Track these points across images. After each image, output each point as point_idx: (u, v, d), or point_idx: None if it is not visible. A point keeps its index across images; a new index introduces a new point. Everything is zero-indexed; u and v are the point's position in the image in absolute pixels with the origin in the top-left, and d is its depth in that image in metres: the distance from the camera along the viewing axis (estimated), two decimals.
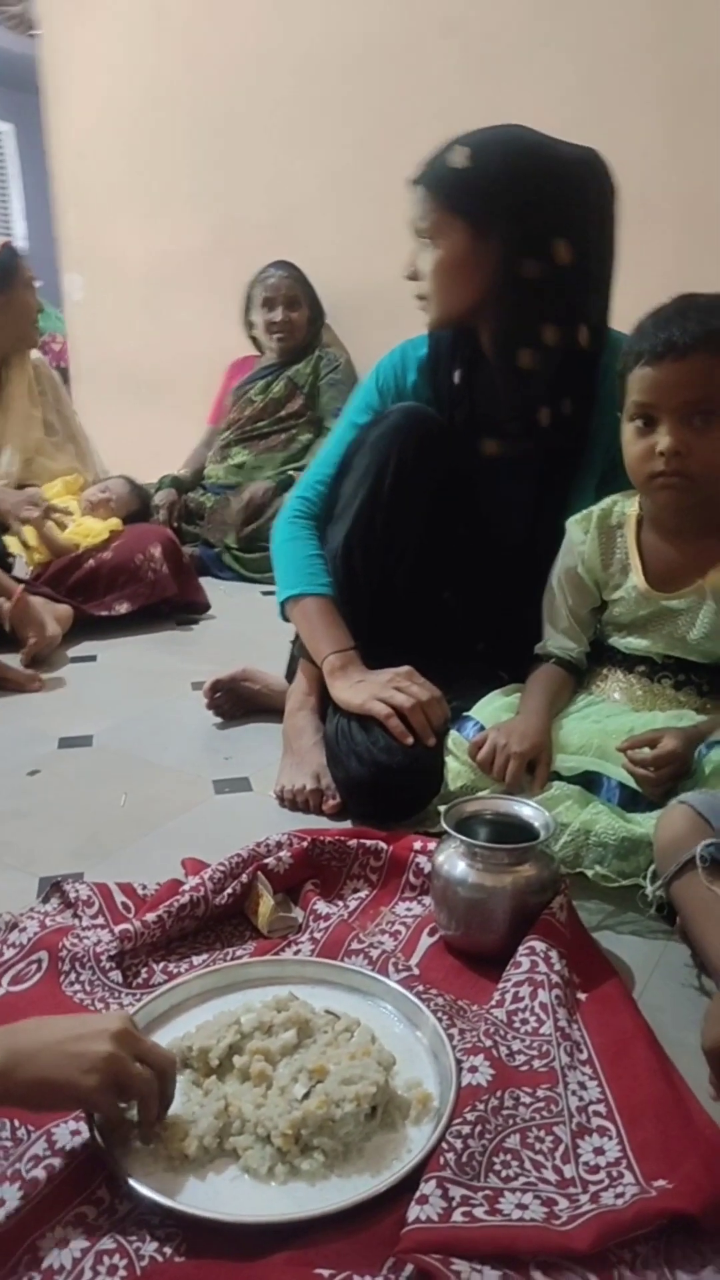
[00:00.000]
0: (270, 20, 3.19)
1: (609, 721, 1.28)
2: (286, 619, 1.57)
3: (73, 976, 1.02)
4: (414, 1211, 0.72)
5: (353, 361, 3.17)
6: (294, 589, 1.53)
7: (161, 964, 1.06)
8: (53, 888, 1.19)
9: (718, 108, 2.49)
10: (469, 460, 1.51)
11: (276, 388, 3.15)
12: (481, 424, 1.49)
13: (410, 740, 1.33)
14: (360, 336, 3.14)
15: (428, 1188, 0.73)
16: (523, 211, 1.35)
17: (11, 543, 2.41)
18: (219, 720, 1.79)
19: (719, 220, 2.52)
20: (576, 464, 1.49)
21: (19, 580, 2.33)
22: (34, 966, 1.04)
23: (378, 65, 3.01)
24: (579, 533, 1.36)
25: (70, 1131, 0.81)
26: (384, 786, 1.34)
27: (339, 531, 1.52)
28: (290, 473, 2.97)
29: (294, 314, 3.12)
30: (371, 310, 3.01)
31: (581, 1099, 0.86)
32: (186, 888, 1.13)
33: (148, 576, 2.43)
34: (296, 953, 1.07)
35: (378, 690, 1.38)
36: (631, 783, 1.20)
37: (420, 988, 0.99)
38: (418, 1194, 0.73)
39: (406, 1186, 0.75)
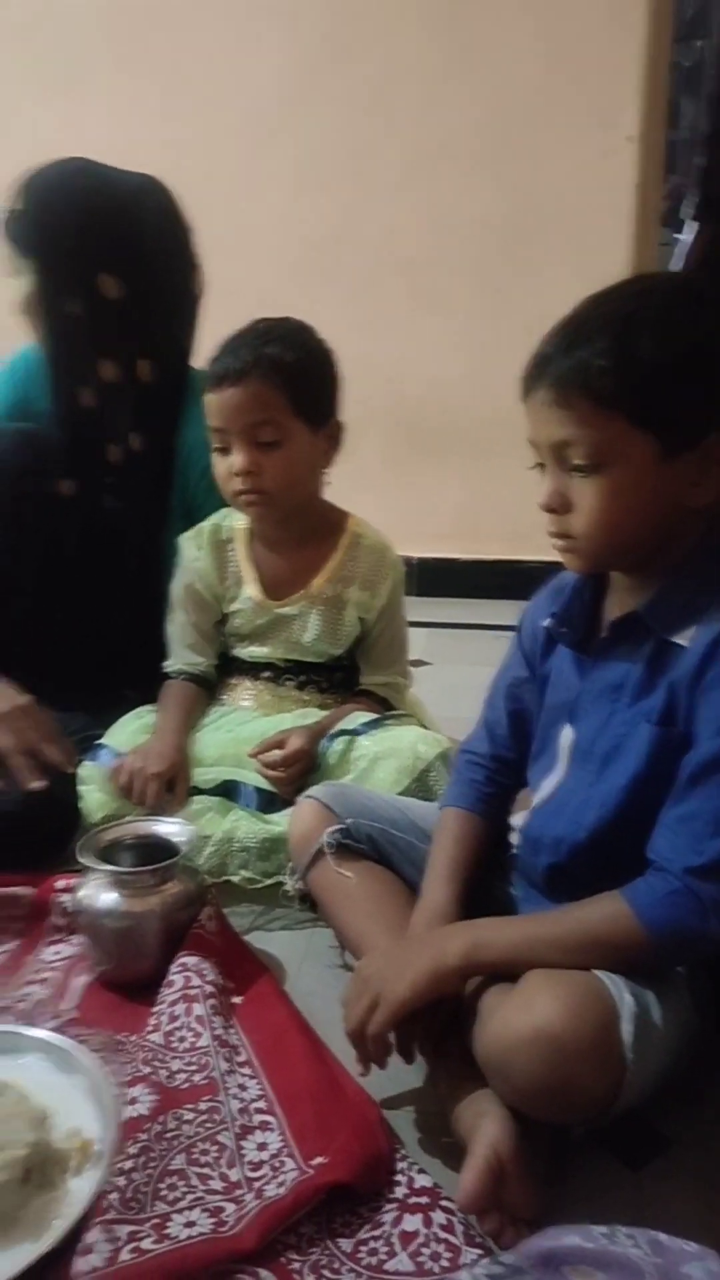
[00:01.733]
0: None
1: (241, 729, 1.33)
2: None
3: None
4: (79, 1264, 0.70)
5: None
6: None
7: None
8: None
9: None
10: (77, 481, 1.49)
11: None
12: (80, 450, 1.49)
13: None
14: None
15: (91, 1235, 0.72)
16: (57, 248, 1.37)
17: None
18: None
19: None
20: (162, 495, 1.52)
21: None
22: None
23: None
24: (193, 549, 1.39)
25: None
26: (15, 835, 1.28)
27: None
28: None
29: None
30: None
31: (243, 1100, 0.89)
32: None
33: None
34: None
35: None
36: (267, 785, 1.26)
37: (76, 1030, 0.97)
38: (81, 1245, 0.72)
39: (75, 1241, 0.73)
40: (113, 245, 1.38)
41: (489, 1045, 0.78)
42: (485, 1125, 0.79)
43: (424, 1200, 0.77)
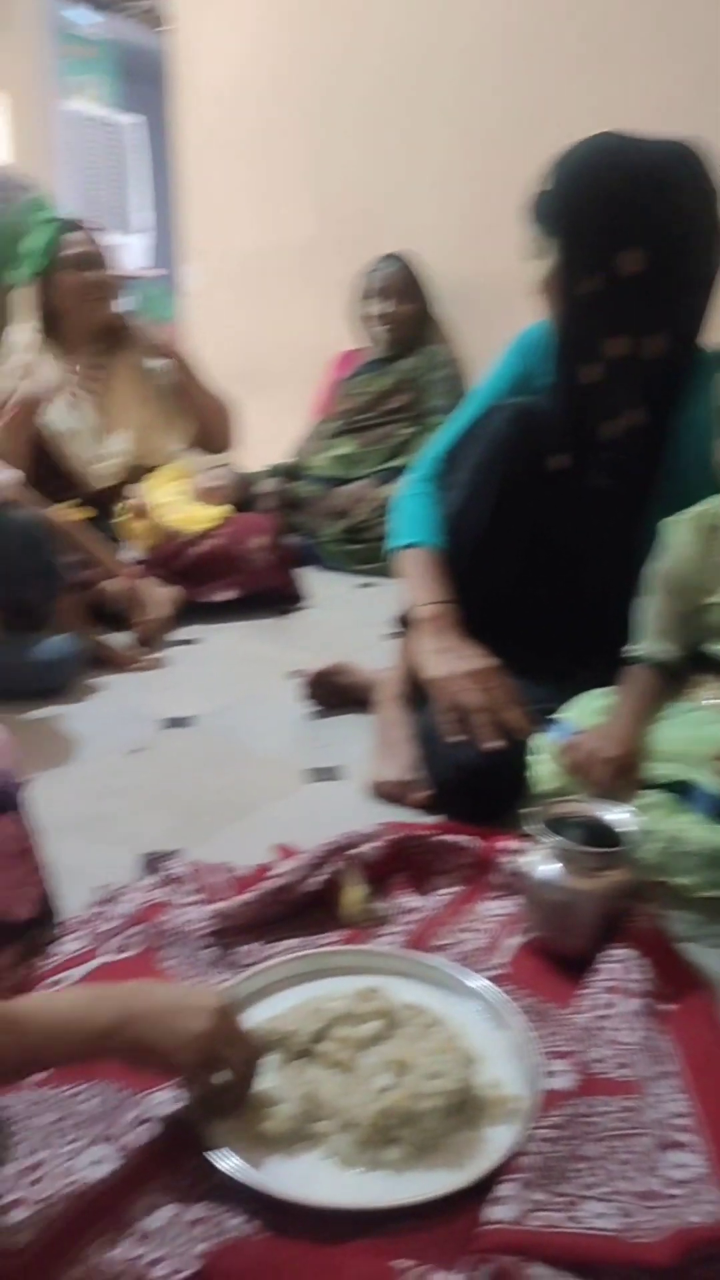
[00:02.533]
0: (384, 13, 3.20)
1: (703, 729, 1.25)
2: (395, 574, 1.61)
3: (168, 952, 1.07)
4: (493, 1211, 0.73)
5: (465, 354, 3.16)
6: (409, 538, 1.58)
7: (252, 945, 1.09)
8: (151, 864, 1.24)
9: None
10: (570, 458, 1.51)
11: (383, 381, 3.16)
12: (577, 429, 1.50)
13: (460, 739, 1.34)
14: (471, 329, 3.13)
15: (507, 1189, 0.74)
16: (580, 225, 1.37)
17: (127, 528, 2.49)
18: (315, 710, 1.82)
19: None
20: (651, 475, 1.48)
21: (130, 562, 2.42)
22: (133, 939, 1.09)
23: (489, 56, 2.98)
24: (678, 534, 1.33)
25: (165, 1099, 0.85)
26: (469, 788, 1.35)
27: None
28: (392, 466, 2.97)
29: (402, 307, 3.13)
30: (483, 303, 3.00)
31: (665, 1112, 0.85)
32: (278, 872, 1.16)
33: (251, 565, 2.48)
34: (384, 944, 1.09)
35: (451, 679, 1.39)
36: None
37: (506, 987, 1.00)
38: (497, 1194, 0.74)
39: (484, 1186, 0.76)
40: (636, 219, 1.35)
41: None
42: None
43: None
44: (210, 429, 2.68)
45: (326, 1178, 0.78)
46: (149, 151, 5.97)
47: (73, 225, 2.47)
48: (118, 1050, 0.76)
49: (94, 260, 2.47)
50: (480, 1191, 0.75)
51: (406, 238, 3.18)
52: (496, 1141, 0.80)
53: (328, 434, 3.21)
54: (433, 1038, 0.88)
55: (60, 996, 0.80)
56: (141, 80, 5.86)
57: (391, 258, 3.15)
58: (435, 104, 3.13)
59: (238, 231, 3.81)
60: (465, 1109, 0.83)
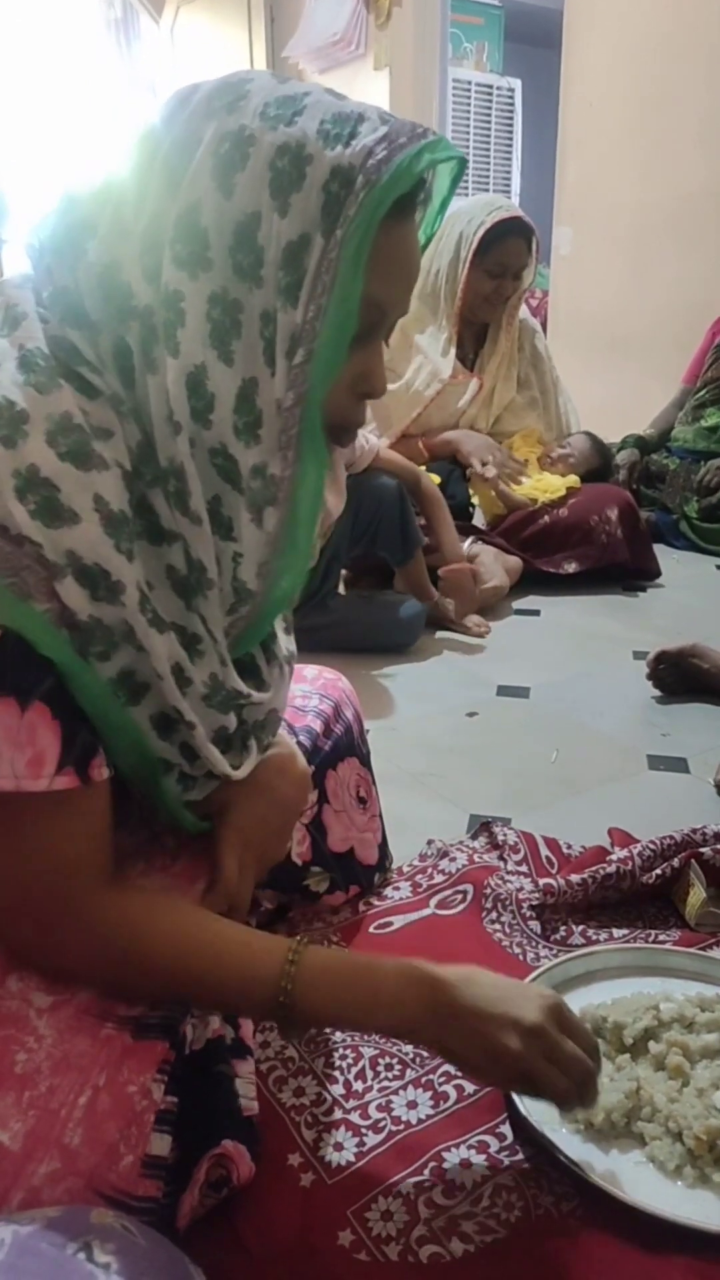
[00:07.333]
0: None
1: None
2: None
3: (494, 915, 1.07)
4: None
5: None
6: None
7: (581, 927, 1.06)
8: (482, 827, 1.24)
9: None
10: None
11: None
12: None
13: None
14: None
15: None
16: None
17: (477, 496, 2.50)
18: (659, 694, 1.72)
19: None
20: None
21: (475, 530, 2.42)
22: (459, 896, 1.10)
23: None
24: None
25: None
26: None
27: None
28: None
29: None
30: None
31: None
32: (614, 858, 1.12)
33: (600, 538, 2.39)
34: None
35: None
36: None
37: None
38: None
39: None
40: None
41: None
42: None
43: None
44: None
45: (646, 1181, 0.74)
46: (521, 115, 5.89)
47: (517, 227, 2.26)
48: (425, 1044, 0.71)
49: (515, 272, 2.32)
50: None
51: None
52: None
53: (696, 403, 3.00)
54: None
55: (379, 969, 0.69)
56: (524, 42, 5.78)
57: None
58: None
59: (616, 190, 3.65)
60: None
